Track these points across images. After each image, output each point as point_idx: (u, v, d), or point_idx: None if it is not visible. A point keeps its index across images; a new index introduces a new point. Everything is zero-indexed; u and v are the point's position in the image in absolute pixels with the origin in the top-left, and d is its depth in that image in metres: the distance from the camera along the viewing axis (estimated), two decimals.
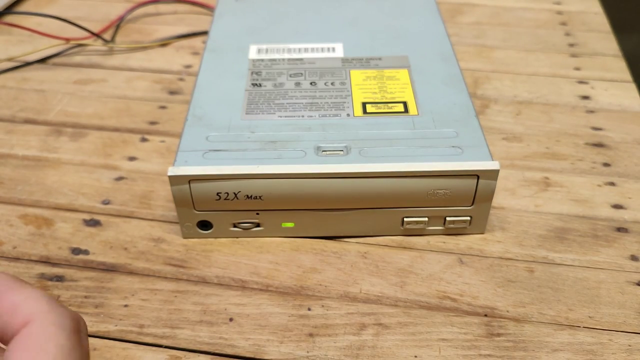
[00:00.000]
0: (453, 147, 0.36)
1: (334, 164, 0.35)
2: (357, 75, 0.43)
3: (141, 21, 0.63)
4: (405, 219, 0.37)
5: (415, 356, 0.32)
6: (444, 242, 0.38)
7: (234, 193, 0.36)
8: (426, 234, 0.39)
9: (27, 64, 0.56)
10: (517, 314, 0.34)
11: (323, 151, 0.36)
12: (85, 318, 0.34)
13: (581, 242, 0.38)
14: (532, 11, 0.63)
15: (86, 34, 0.58)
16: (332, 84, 0.42)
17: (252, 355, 0.32)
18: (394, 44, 0.47)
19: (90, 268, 0.37)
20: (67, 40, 0.57)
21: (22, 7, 0.65)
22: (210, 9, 0.62)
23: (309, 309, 0.34)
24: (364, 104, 0.40)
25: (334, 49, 0.46)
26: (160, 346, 0.33)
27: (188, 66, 0.56)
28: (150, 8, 0.64)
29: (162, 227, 0.39)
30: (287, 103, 0.40)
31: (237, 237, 0.38)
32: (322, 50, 0.46)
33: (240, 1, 0.53)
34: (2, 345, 0.22)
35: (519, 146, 0.46)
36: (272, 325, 0.34)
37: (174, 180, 0.35)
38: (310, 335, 0.33)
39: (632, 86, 0.52)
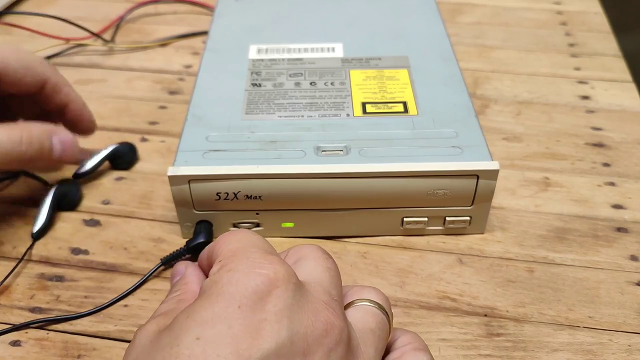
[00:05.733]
0: (453, 147, 0.36)
1: (334, 164, 0.35)
2: (357, 75, 0.43)
3: (141, 21, 0.63)
4: (405, 219, 0.37)
5: None
6: (444, 242, 0.38)
7: (234, 193, 0.36)
8: (426, 234, 0.39)
9: None
10: (517, 314, 0.34)
11: (323, 151, 0.36)
12: (85, 318, 0.34)
13: (581, 242, 0.38)
14: (532, 11, 0.63)
15: (86, 34, 0.58)
16: (332, 84, 0.42)
17: None
18: (394, 44, 0.47)
19: (90, 268, 0.37)
20: (67, 40, 0.57)
21: (22, 7, 0.65)
22: (210, 9, 0.62)
23: None
24: (363, 104, 0.40)
25: (333, 49, 0.46)
26: None
27: (188, 66, 0.55)
28: (150, 8, 0.64)
29: (162, 227, 0.39)
30: (287, 103, 0.40)
31: None
32: (322, 50, 0.46)
33: (240, 1, 0.53)
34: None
35: (519, 146, 0.46)
36: None
37: (174, 180, 0.35)
38: None
39: (632, 86, 0.52)
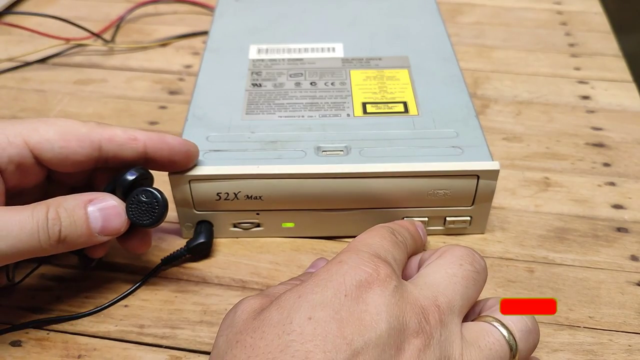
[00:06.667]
0: (453, 147, 0.36)
1: (334, 164, 0.35)
2: (357, 75, 0.43)
3: (141, 21, 0.63)
4: (405, 219, 0.37)
5: None
6: (444, 243, 0.38)
7: (234, 193, 0.36)
8: (426, 234, 0.39)
9: (27, 64, 0.56)
10: None
11: (323, 151, 0.36)
12: (86, 318, 0.34)
13: (581, 242, 0.38)
14: (532, 11, 0.63)
15: (86, 34, 0.58)
16: (332, 84, 0.42)
17: None
18: (394, 44, 0.47)
19: (91, 268, 0.37)
20: (67, 40, 0.57)
21: (22, 7, 0.65)
22: (210, 9, 0.62)
23: None
24: (364, 104, 0.40)
25: (334, 49, 0.46)
26: (161, 346, 0.33)
27: (188, 66, 0.56)
28: (150, 8, 0.64)
29: (162, 227, 0.39)
30: (287, 103, 0.40)
31: (237, 237, 0.38)
32: (322, 50, 0.46)
33: (240, 1, 0.53)
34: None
35: (519, 146, 0.46)
36: None
37: (174, 180, 0.35)
38: None
39: (632, 86, 0.52)
